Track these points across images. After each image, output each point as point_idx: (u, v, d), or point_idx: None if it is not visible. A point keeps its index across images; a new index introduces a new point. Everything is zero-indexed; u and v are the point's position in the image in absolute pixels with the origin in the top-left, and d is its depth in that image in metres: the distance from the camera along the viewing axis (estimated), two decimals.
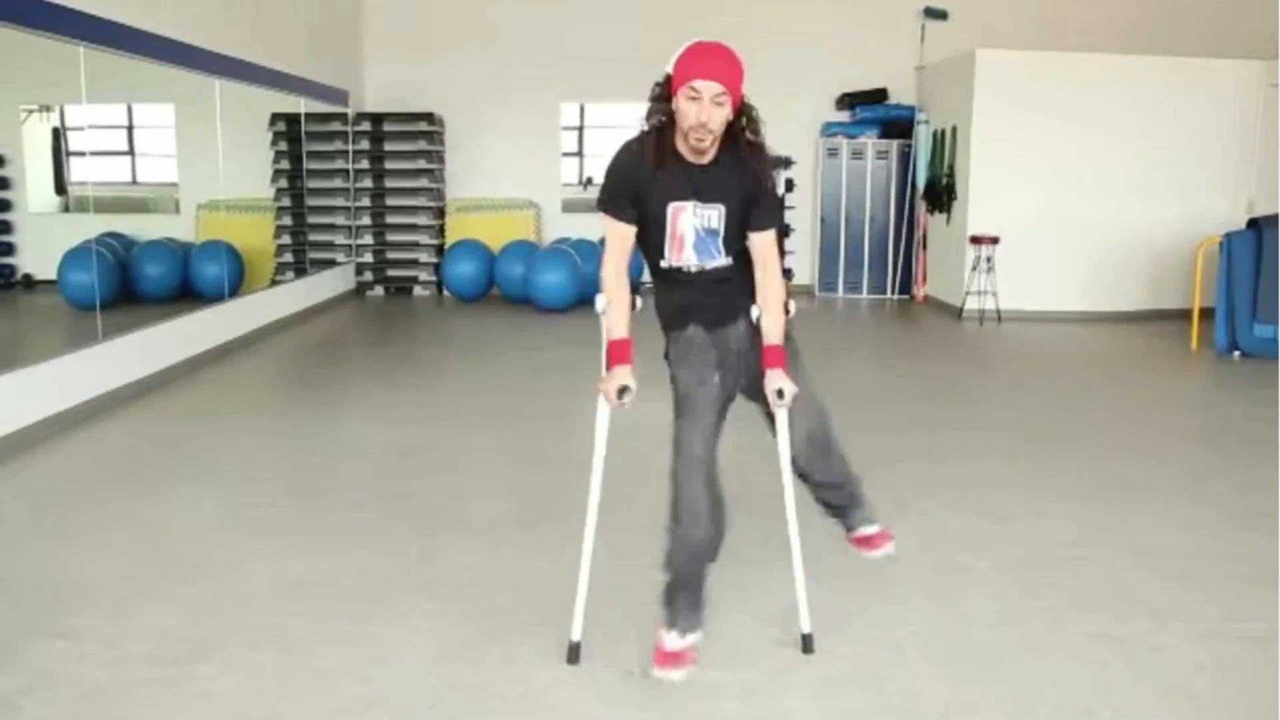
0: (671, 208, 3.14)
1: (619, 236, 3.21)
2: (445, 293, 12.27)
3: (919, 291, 12.35)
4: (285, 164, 10.86)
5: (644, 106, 3.13)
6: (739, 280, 3.26)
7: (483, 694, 3.18)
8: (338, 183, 11.97)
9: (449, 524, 4.63)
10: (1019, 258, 10.62)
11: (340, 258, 12.02)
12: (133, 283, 8.06)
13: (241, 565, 4.15)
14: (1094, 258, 10.84)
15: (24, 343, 6.78)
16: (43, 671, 3.27)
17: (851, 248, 12.57)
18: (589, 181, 13.11)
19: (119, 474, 5.44)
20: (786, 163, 12.48)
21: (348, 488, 5.19)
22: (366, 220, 12.29)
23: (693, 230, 3.16)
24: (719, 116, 2.99)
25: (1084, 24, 12.10)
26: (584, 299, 10.98)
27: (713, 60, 3.00)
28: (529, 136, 12.66)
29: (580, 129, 13.03)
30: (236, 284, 9.08)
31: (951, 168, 11.30)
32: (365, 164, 12.17)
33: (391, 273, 12.48)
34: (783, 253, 3.23)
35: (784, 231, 2.97)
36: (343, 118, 11.92)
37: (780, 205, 3.03)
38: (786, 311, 3.27)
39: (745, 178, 3.14)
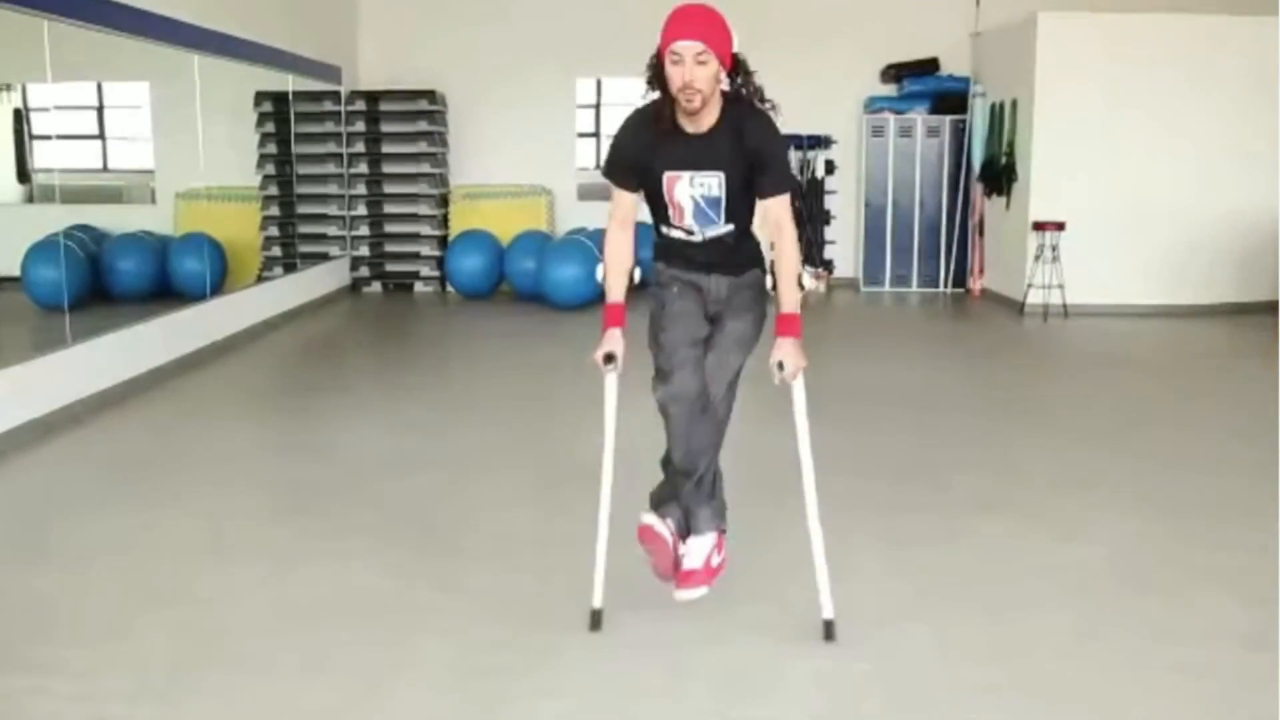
0: (667, 178, 3.46)
1: (621, 204, 3.61)
2: (449, 289, 12.28)
3: (975, 284, 12.28)
4: (272, 148, 10.89)
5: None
6: (745, 245, 3.62)
7: None
8: (330, 168, 12.01)
9: (454, 541, 4.63)
10: (1087, 246, 10.54)
11: (334, 251, 12.05)
12: (105, 280, 8.09)
13: (226, 589, 4.16)
14: (1171, 245, 10.75)
15: None
16: (7, 709, 3.27)
17: (899, 236, 12.51)
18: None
19: (90, 490, 5.45)
20: (826, 142, 12.48)
21: (342, 502, 5.19)
22: (362, 210, 12.33)
23: (690, 200, 3.47)
24: (702, 75, 3.27)
25: None
26: (603, 295, 10.94)
27: (689, 21, 3.29)
28: (541, 116, 12.65)
29: (597, 107, 13.03)
30: (219, 281, 9.11)
31: (1011, 146, 11.23)
32: (360, 147, 12.20)
33: (390, 267, 12.50)
34: (799, 220, 3.52)
35: (798, 193, 3.23)
36: (335, 96, 11.95)
37: (785, 167, 3.25)
38: (801, 286, 3.52)
39: (744, 142, 3.40)
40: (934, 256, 12.51)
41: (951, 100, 12.25)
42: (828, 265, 12.67)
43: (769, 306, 3.63)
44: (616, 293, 3.64)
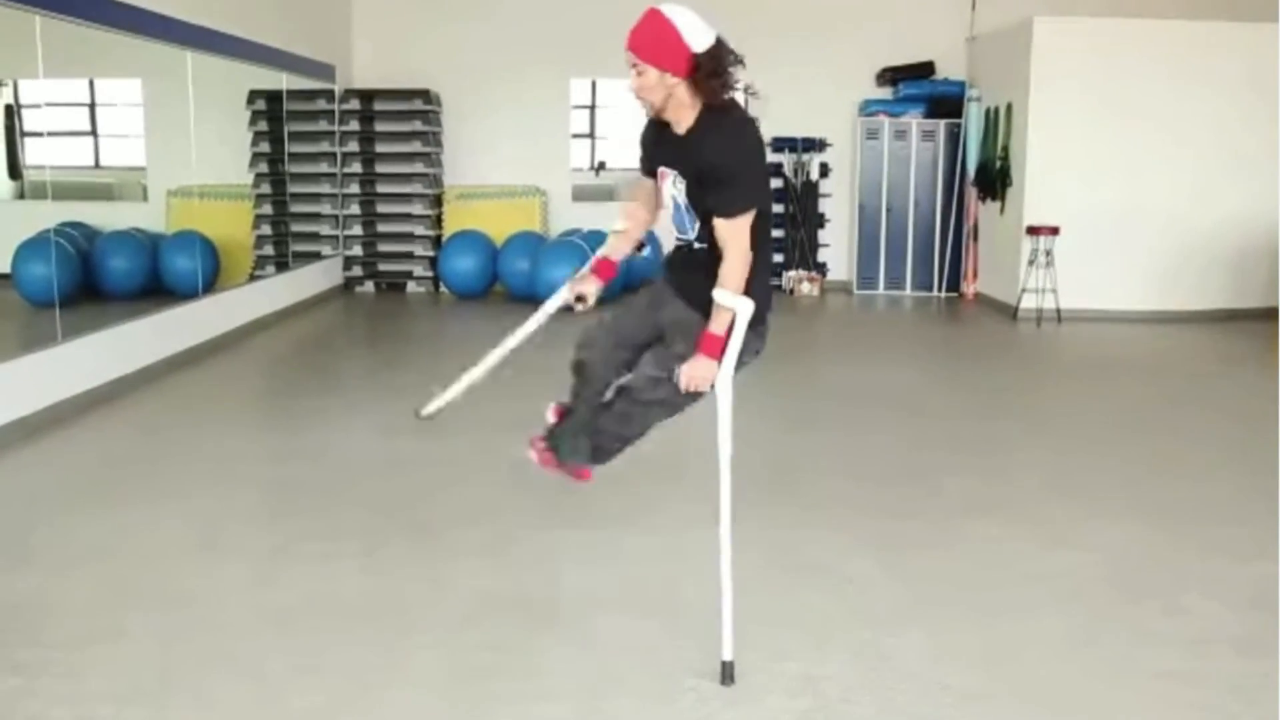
0: (660, 172, 3.52)
1: (640, 189, 3.72)
2: (442, 289, 12.27)
3: (969, 289, 12.29)
4: (265, 146, 10.87)
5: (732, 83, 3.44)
6: (708, 263, 3.38)
7: None
8: (323, 167, 11.99)
9: (448, 544, 4.62)
10: (1081, 251, 10.56)
11: (326, 250, 12.03)
12: (96, 277, 8.07)
13: (216, 589, 4.14)
14: (1166, 251, 10.77)
15: None
16: None
17: (893, 240, 12.52)
18: (602, 166, 13.11)
19: (80, 489, 5.43)
20: (821, 145, 12.48)
21: (333, 503, 5.18)
22: (355, 209, 12.30)
23: (670, 199, 3.49)
24: (640, 84, 3.31)
25: None
26: (598, 298, 10.95)
27: (631, 31, 3.32)
28: (535, 116, 12.64)
29: (592, 108, 13.02)
30: (211, 279, 9.08)
31: (1006, 150, 11.25)
32: (354, 146, 12.18)
33: (383, 267, 12.48)
34: (761, 241, 3.35)
35: (764, 215, 3.11)
36: (329, 95, 11.93)
37: (752, 187, 3.12)
38: (759, 322, 3.39)
39: (698, 152, 3.31)
40: (928, 260, 12.52)
41: (946, 104, 12.26)
42: (821, 268, 12.67)
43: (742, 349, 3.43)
44: (609, 247, 3.90)
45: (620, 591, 4.08)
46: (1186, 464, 5.96)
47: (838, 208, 12.65)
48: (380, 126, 12.18)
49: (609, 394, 3.88)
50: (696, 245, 3.45)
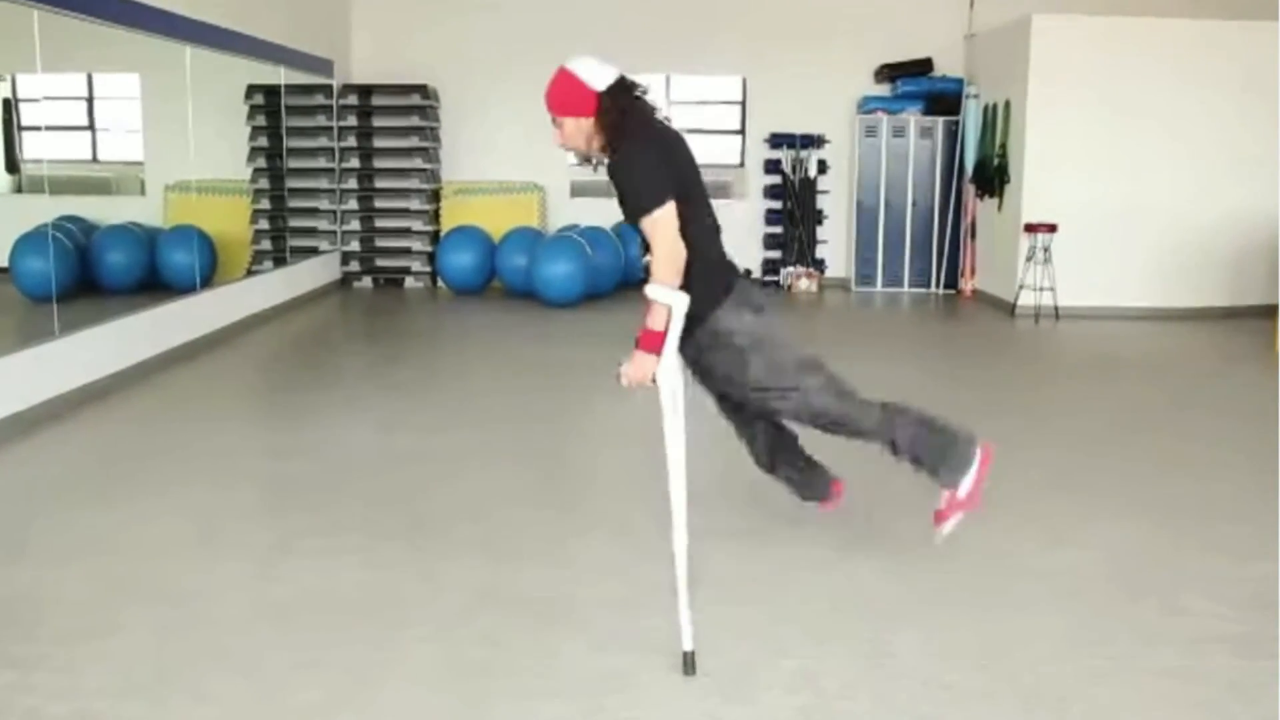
0: None
1: None
2: (440, 285, 12.26)
3: (967, 285, 12.29)
4: (263, 141, 10.85)
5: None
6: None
7: None
8: (321, 162, 11.97)
9: (447, 539, 4.61)
10: (1079, 248, 10.55)
11: (324, 245, 12.02)
12: (93, 272, 8.06)
13: (215, 586, 4.13)
14: (1164, 248, 10.77)
15: None
16: None
17: (891, 236, 12.52)
18: (599, 163, 13.07)
19: (78, 484, 5.42)
20: (819, 142, 12.47)
21: (331, 498, 5.16)
22: (353, 204, 12.29)
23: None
24: (561, 136, 3.72)
25: None
26: (594, 293, 10.96)
27: (546, 92, 3.72)
28: (534, 112, 12.32)
29: None
30: (209, 274, 9.07)
31: (1004, 147, 11.24)
32: (352, 141, 12.17)
33: (381, 262, 12.47)
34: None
35: (642, 210, 3.29)
36: (327, 90, 11.92)
37: (633, 195, 3.33)
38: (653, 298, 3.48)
39: (612, 177, 3.61)
40: (926, 257, 12.52)
41: (945, 101, 12.25)
42: (819, 265, 12.66)
43: (749, 311, 3.76)
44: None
45: (620, 588, 4.07)
46: (1186, 462, 5.96)
47: (836, 205, 12.64)
48: (378, 121, 12.17)
49: (768, 435, 4.24)
50: (646, 258, 3.61)
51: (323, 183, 12.02)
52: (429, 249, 12.37)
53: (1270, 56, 10.46)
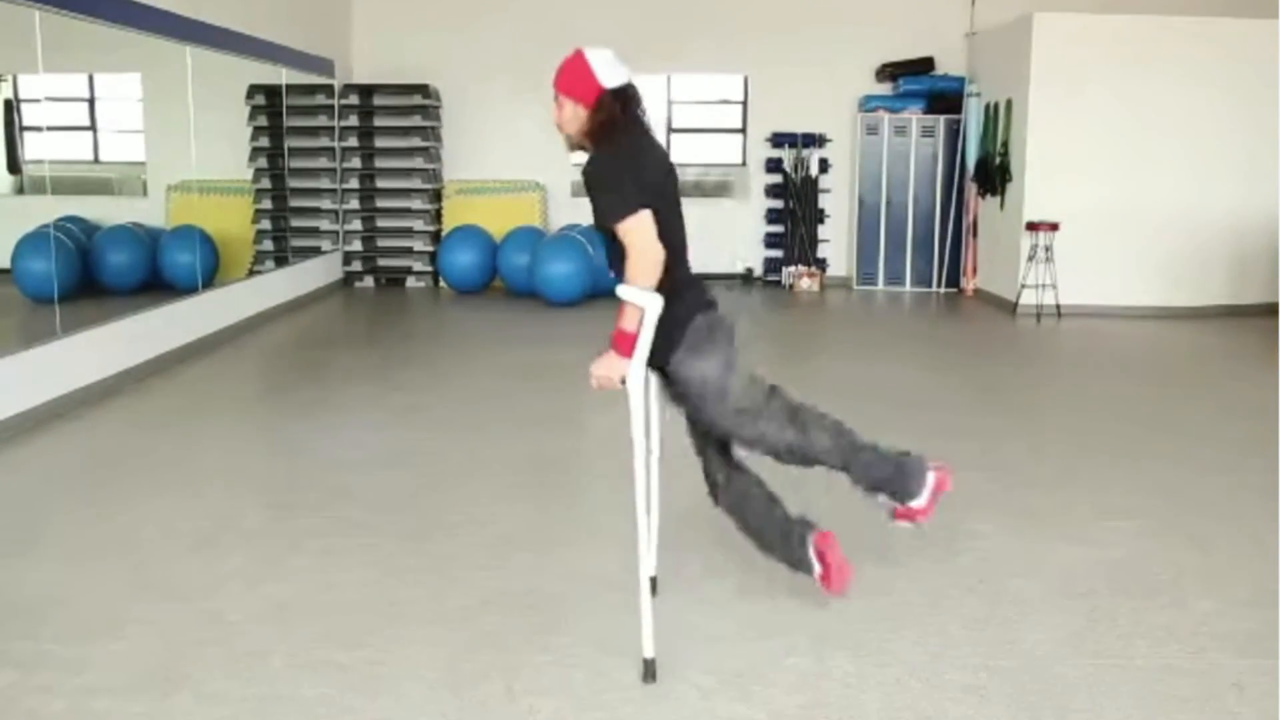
0: None
1: None
2: (442, 284, 12.27)
3: (968, 284, 12.29)
4: (265, 141, 10.86)
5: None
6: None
7: None
8: (323, 162, 11.98)
9: (450, 540, 4.62)
10: (1081, 246, 10.55)
11: (326, 245, 12.03)
12: (95, 272, 8.06)
13: (218, 586, 4.14)
14: (1166, 247, 10.77)
15: None
16: None
17: (893, 235, 12.52)
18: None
19: (81, 484, 5.43)
20: (821, 140, 12.47)
21: (336, 500, 5.17)
22: (355, 204, 12.30)
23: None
24: (559, 117, 3.61)
25: None
26: (595, 292, 10.97)
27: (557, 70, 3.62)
28: (535, 111, 12.50)
29: None
30: (211, 274, 9.08)
31: (1005, 146, 11.24)
32: (353, 141, 12.17)
33: (382, 262, 12.48)
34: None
35: (616, 216, 3.22)
36: (328, 90, 11.92)
37: (606, 201, 3.27)
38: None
39: (585, 178, 3.50)
40: (927, 256, 12.52)
41: (946, 100, 12.25)
42: (820, 264, 12.67)
43: (717, 341, 3.54)
44: None
45: (621, 589, 4.07)
46: (1188, 460, 5.95)
47: (837, 203, 12.64)
48: (380, 121, 12.18)
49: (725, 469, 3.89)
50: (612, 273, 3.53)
51: (324, 182, 12.03)
52: (430, 249, 12.38)
53: (1272, 55, 10.46)
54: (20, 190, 7.44)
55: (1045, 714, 3.25)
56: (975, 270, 12.23)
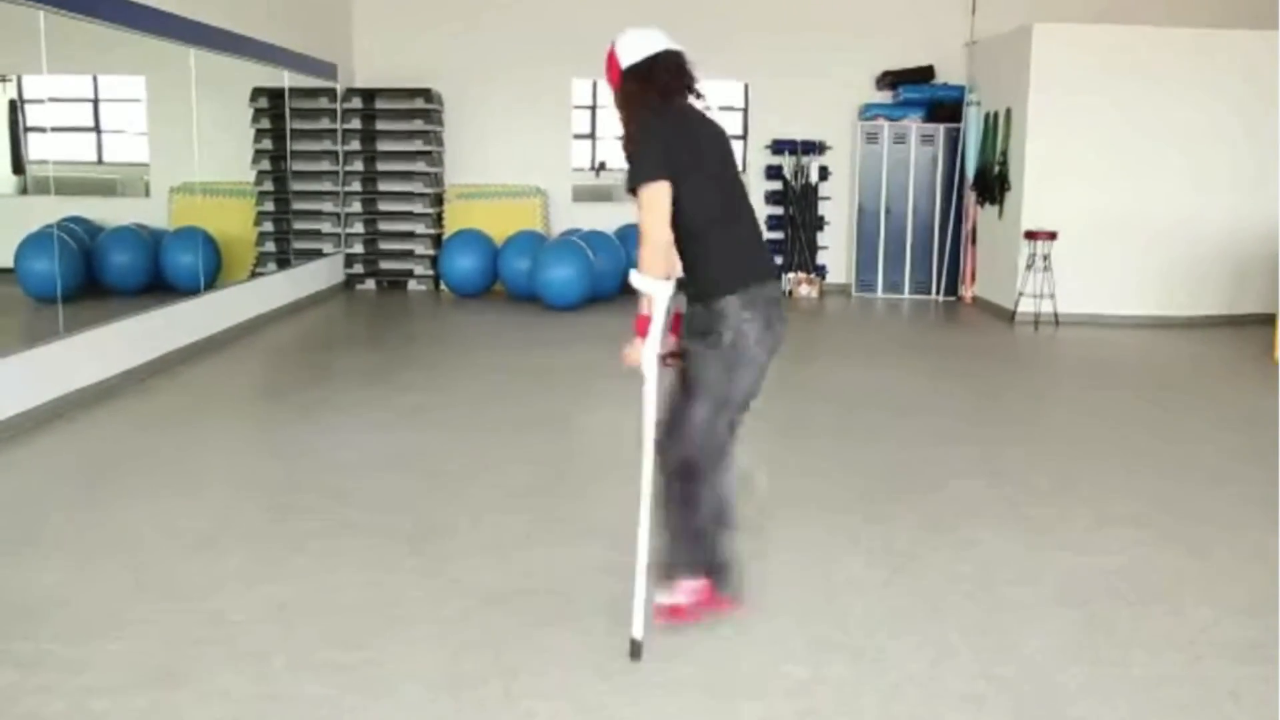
0: None
1: None
2: (443, 288, 12.26)
3: (967, 292, 12.29)
4: (267, 144, 10.86)
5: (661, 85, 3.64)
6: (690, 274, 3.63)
7: None
8: (325, 165, 11.98)
9: (450, 541, 4.61)
10: (1079, 256, 10.55)
11: (328, 248, 12.02)
12: (98, 273, 8.07)
13: (219, 585, 4.13)
14: (1163, 257, 10.77)
15: None
16: None
17: (892, 243, 12.52)
18: (602, 166, 13.12)
19: (82, 484, 5.43)
20: (820, 148, 12.48)
21: (337, 501, 5.16)
22: (357, 207, 12.29)
23: None
24: (614, 103, 3.69)
25: None
26: (595, 296, 10.97)
27: None
28: (537, 116, 12.64)
29: (593, 108, 13.02)
30: (213, 275, 9.08)
31: (1004, 155, 11.24)
32: (356, 145, 12.17)
33: (384, 265, 12.47)
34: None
35: (631, 183, 3.26)
36: (331, 93, 11.93)
37: (631, 165, 3.35)
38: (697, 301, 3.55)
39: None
40: (926, 264, 12.52)
41: (946, 108, 12.25)
42: (820, 271, 12.67)
43: (722, 336, 3.49)
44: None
45: (620, 589, 4.06)
46: (1185, 469, 5.95)
47: (837, 211, 12.64)
48: (382, 125, 12.17)
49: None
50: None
51: (326, 185, 12.03)
52: (432, 252, 12.38)
53: (1270, 65, 10.47)
54: (24, 190, 7.44)
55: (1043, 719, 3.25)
56: (974, 278, 12.23)
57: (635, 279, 3.43)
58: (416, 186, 12.30)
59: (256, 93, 10.46)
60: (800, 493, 5.28)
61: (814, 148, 12.51)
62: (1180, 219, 10.68)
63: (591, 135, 13.07)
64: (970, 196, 12.09)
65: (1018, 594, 4.17)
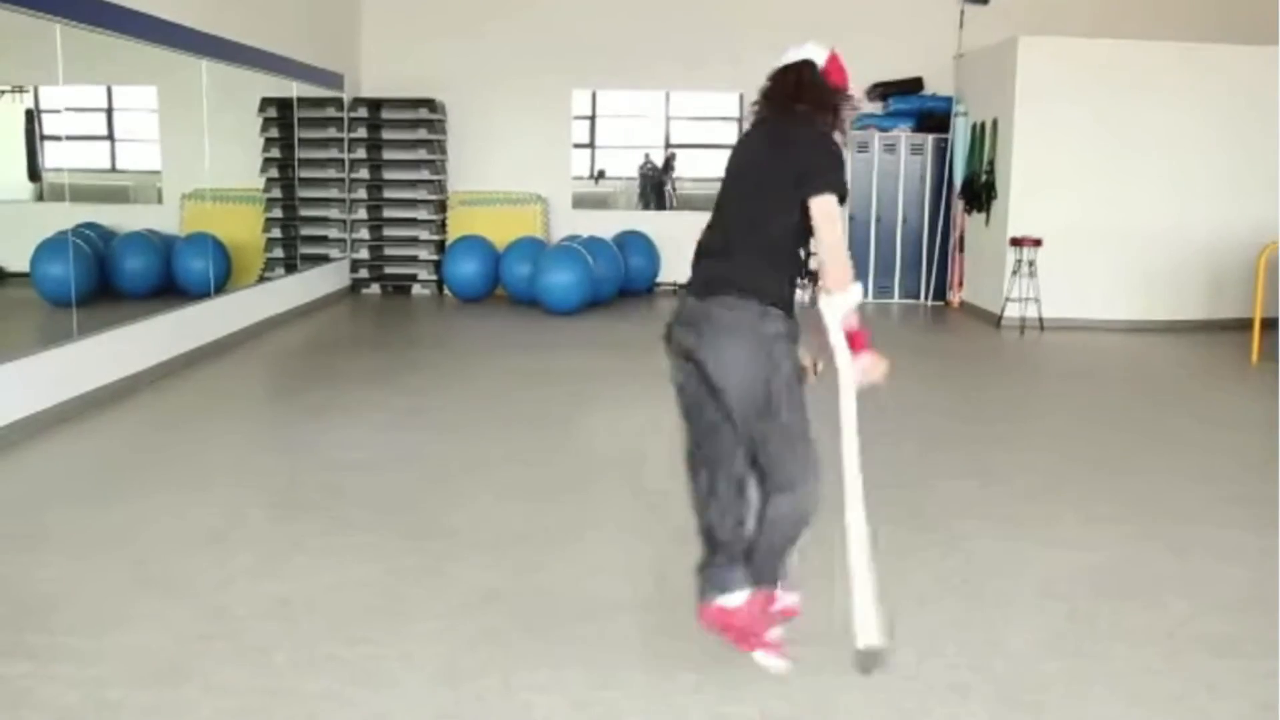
0: None
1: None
2: (446, 292, 12.27)
3: (955, 297, 12.30)
4: (276, 152, 10.86)
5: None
6: None
7: None
8: (332, 173, 11.97)
9: (450, 538, 4.61)
10: (1063, 262, 10.56)
11: (334, 253, 12.02)
12: (112, 277, 8.06)
13: (225, 582, 4.13)
14: (1145, 263, 10.78)
15: None
16: (6, 694, 3.25)
17: (882, 249, 12.51)
18: (601, 175, 13.11)
19: (94, 482, 5.43)
20: None
21: (340, 499, 5.16)
22: (362, 214, 12.30)
23: None
24: None
25: (1136, 9, 12.04)
26: (595, 301, 10.98)
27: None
28: (537, 126, 12.65)
29: (592, 118, 13.01)
30: (222, 280, 9.08)
31: (991, 164, 11.25)
32: (361, 153, 12.18)
33: (389, 270, 12.48)
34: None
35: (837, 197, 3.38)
36: (338, 103, 11.93)
37: (833, 175, 3.43)
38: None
39: None
40: (915, 269, 12.52)
41: (935, 119, 12.26)
42: (812, 276, 12.64)
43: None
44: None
45: (618, 588, 4.08)
46: (1166, 468, 5.96)
47: None
48: (387, 134, 12.18)
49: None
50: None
51: (333, 193, 12.02)
52: (435, 257, 12.38)
53: (1249, 79, 10.50)
54: (40, 197, 7.43)
55: (1026, 712, 3.25)
56: (961, 284, 12.23)
57: (850, 296, 3.60)
58: (420, 193, 12.31)
59: (265, 102, 10.46)
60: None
61: None
62: (1161, 227, 10.69)
63: (591, 144, 13.05)
64: (958, 204, 12.09)
65: (1003, 589, 4.17)
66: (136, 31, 7.42)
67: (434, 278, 12.42)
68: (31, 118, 7.45)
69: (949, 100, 12.23)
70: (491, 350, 9.21)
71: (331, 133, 11.94)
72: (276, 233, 10.91)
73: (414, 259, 12.44)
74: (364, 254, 12.40)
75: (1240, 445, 6.57)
